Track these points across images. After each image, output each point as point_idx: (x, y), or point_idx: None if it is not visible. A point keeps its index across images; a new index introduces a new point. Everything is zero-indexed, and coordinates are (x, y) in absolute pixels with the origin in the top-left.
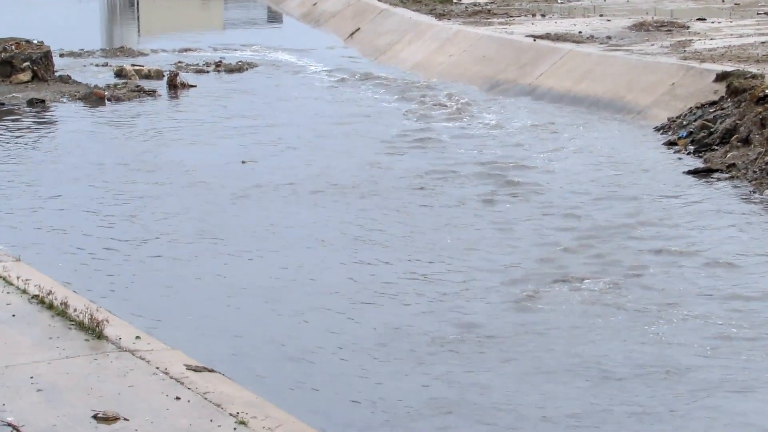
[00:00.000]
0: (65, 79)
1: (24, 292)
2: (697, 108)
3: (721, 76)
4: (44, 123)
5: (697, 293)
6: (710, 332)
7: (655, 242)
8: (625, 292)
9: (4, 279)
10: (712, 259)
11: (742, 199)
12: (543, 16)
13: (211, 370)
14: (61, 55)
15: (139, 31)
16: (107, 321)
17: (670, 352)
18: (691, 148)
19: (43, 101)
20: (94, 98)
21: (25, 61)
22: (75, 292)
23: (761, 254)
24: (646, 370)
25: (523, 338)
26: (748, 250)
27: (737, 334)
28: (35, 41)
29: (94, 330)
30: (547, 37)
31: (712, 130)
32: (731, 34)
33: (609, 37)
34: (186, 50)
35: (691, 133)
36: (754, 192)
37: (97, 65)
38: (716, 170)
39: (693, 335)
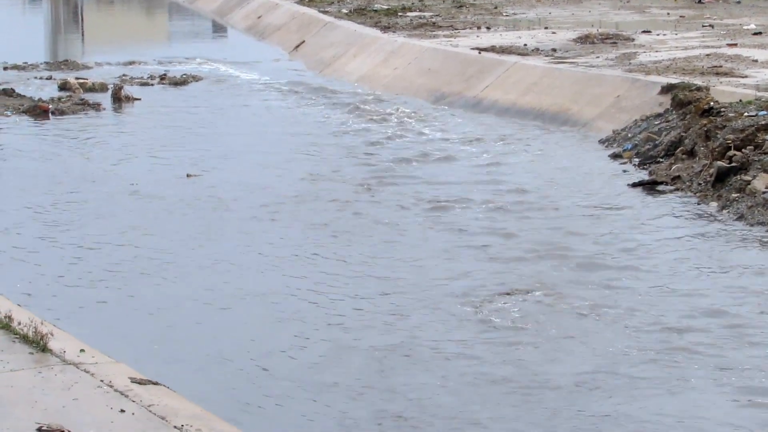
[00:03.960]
0: (9, 93)
1: None
2: (642, 120)
3: (667, 89)
4: None
5: (634, 303)
6: (643, 342)
7: (595, 255)
8: (567, 303)
9: None
10: (653, 271)
11: (687, 211)
12: (488, 28)
13: (156, 383)
14: (5, 68)
15: (83, 43)
16: (52, 334)
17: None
18: (636, 160)
19: None
20: (38, 111)
21: None
22: (19, 305)
23: (703, 267)
24: (581, 378)
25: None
26: (691, 262)
27: (673, 342)
28: None
29: (38, 343)
30: (492, 49)
31: (657, 142)
32: (676, 47)
33: (554, 50)
34: (131, 63)
35: (636, 145)
36: (699, 204)
37: (41, 78)
38: (661, 182)
39: (626, 344)
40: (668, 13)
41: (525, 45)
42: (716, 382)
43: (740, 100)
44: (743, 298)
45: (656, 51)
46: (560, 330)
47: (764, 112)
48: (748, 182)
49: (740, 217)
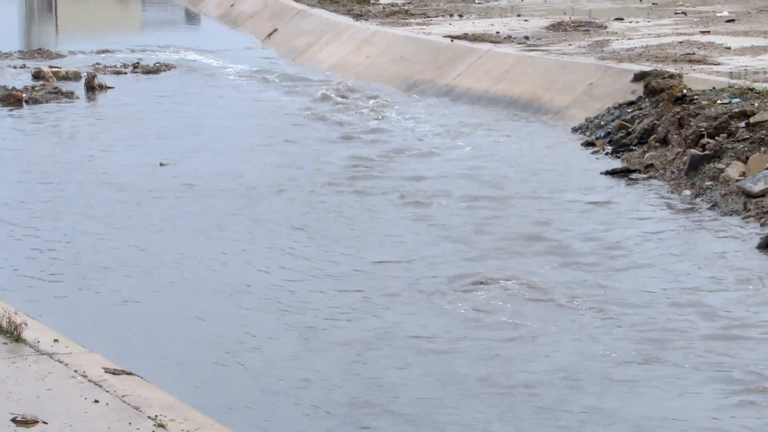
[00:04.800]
0: None
1: None
2: (615, 108)
3: (639, 76)
4: None
5: (607, 293)
6: (619, 334)
7: (569, 244)
8: (539, 293)
9: None
10: (624, 258)
11: (660, 198)
12: (461, 16)
13: (130, 373)
14: None
15: (57, 32)
16: (25, 324)
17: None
18: (609, 148)
19: None
20: (12, 100)
21: None
22: None
23: (676, 255)
24: (558, 374)
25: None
26: (665, 250)
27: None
28: None
29: (12, 333)
30: (464, 37)
31: (630, 130)
32: (649, 34)
33: (527, 38)
34: (104, 52)
35: (609, 133)
36: (672, 192)
37: (14, 67)
38: (634, 170)
39: (605, 336)
40: (641, 0)
41: (497, 33)
42: (699, 374)
43: (713, 88)
44: (717, 287)
45: (629, 38)
46: (535, 321)
47: (737, 100)
48: (722, 170)
49: (714, 205)
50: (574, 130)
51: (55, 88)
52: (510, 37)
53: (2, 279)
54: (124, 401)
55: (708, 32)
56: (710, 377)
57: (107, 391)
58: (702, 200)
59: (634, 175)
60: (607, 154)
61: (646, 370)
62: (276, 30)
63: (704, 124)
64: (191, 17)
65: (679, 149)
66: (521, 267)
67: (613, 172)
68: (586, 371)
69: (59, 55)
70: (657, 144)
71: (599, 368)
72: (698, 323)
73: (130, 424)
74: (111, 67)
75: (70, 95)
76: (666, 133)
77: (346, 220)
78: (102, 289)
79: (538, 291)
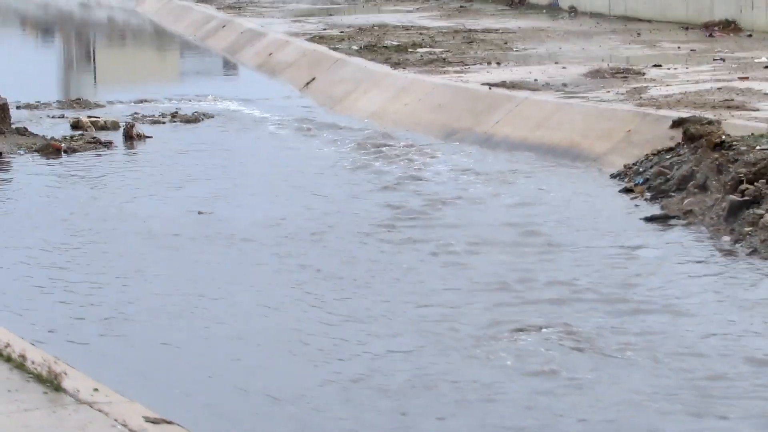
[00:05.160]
0: (22, 131)
1: None
2: (654, 154)
3: (678, 123)
4: (0, 175)
5: (651, 342)
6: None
7: (609, 290)
8: (582, 341)
9: None
10: (666, 305)
11: (700, 244)
12: (498, 64)
13: (170, 422)
14: (18, 107)
15: (95, 81)
16: (65, 373)
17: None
18: (648, 194)
19: (0, 153)
20: (50, 150)
21: None
22: (33, 344)
23: (718, 302)
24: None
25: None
26: (707, 297)
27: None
28: None
29: (52, 382)
30: (502, 84)
31: (668, 176)
32: (687, 80)
33: (565, 85)
34: (142, 101)
35: (647, 179)
36: (712, 238)
37: (53, 117)
38: (673, 216)
39: (652, 388)
40: (679, 47)
41: (535, 80)
42: (749, 425)
43: (752, 134)
44: (761, 333)
45: (667, 85)
46: (579, 369)
47: None
48: (761, 216)
49: (753, 251)
50: (613, 176)
51: (94, 137)
52: (548, 84)
53: (41, 327)
54: None
55: (746, 78)
56: (762, 427)
57: None
58: (742, 246)
59: (673, 221)
60: (646, 200)
61: (695, 421)
62: (314, 79)
63: (743, 170)
64: (229, 66)
65: (718, 195)
66: (564, 315)
67: (652, 219)
68: (632, 422)
69: (98, 105)
70: (696, 190)
71: (646, 419)
72: (745, 371)
73: None
74: (149, 116)
75: (108, 145)
76: (705, 179)
77: (384, 269)
78: (141, 336)
79: (581, 339)
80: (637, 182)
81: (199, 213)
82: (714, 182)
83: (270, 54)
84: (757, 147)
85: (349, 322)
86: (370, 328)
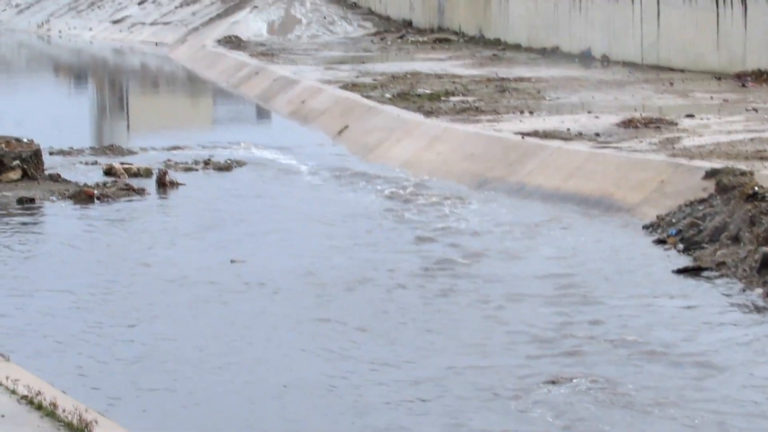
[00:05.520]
0: (55, 178)
1: (13, 392)
2: (687, 205)
3: (711, 174)
4: (34, 222)
5: (687, 397)
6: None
7: (644, 342)
8: (618, 392)
9: None
10: (699, 360)
11: (732, 297)
12: (531, 113)
13: None
14: (51, 154)
15: (128, 128)
16: (96, 422)
17: None
18: (681, 246)
19: (32, 200)
20: (83, 197)
21: (15, 160)
22: (64, 392)
23: (752, 356)
24: None
25: None
26: (740, 349)
27: None
28: (25, 140)
29: (82, 431)
30: (535, 134)
31: (701, 227)
32: (720, 131)
33: (597, 134)
34: (175, 148)
35: (680, 230)
36: (745, 290)
37: (86, 163)
38: (706, 268)
39: None
40: (712, 97)
41: (568, 129)
42: None
43: None
44: None
45: (700, 135)
46: (618, 425)
47: None
48: None
49: None
50: (646, 227)
51: (127, 184)
52: (581, 133)
53: (71, 376)
54: None
55: None
56: None
57: None
58: None
59: (705, 273)
60: (678, 251)
61: None
62: (347, 127)
63: None
64: (262, 113)
65: (751, 247)
66: (599, 367)
67: (684, 270)
68: None
69: (130, 152)
70: (729, 242)
71: None
72: None
73: None
74: (182, 163)
75: (141, 192)
76: (737, 230)
77: (418, 321)
78: (170, 386)
79: (617, 394)
80: (669, 233)
81: (232, 261)
82: (747, 234)
83: (303, 101)
84: None
85: (379, 372)
86: (400, 376)
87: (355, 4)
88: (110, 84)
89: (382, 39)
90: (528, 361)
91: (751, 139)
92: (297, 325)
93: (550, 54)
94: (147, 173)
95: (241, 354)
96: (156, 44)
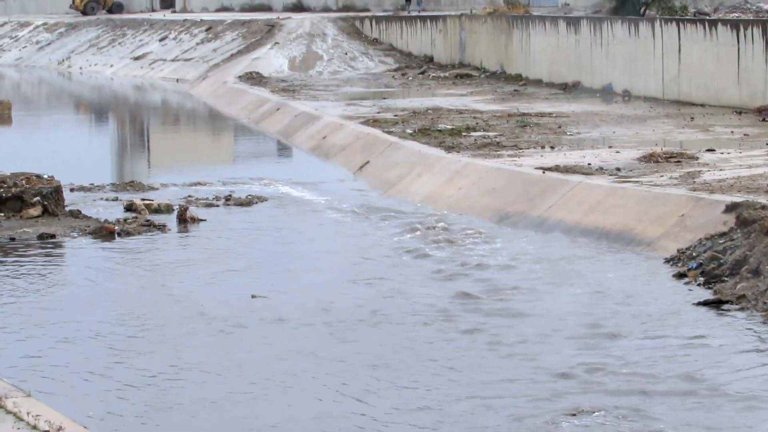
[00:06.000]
0: (75, 214)
1: (34, 428)
2: (707, 239)
3: (731, 207)
4: (54, 258)
5: (705, 427)
6: None
7: (665, 375)
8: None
9: (15, 415)
10: (722, 391)
11: (752, 330)
12: (552, 148)
13: None
14: (72, 190)
15: (149, 164)
16: None
17: None
18: (701, 279)
19: (53, 236)
20: (104, 233)
21: (35, 196)
22: (85, 427)
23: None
24: None
25: None
26: (759, 384)
27: None
28: (45, 176)
29: None
30: (556, 169)
31: (721, 261)
32: (741, 165)
33: (618, 169)
34: (196, 184)
35: (701, 264)
36: (765, 323)
37: (107, 199)
38: (726, 301)
39: None
40: (732, 132)
41: (589, 164)
42: None
43: None
44: None
45: (720, 169)
46: None
47: None
48: None
49: None
50: (666, 261)
51: (147, 220)
52: (601, 168)
53: (93, 410)
54: None
55: None
56: None
57: None
58: None
59: (725, 306)
60: (699, 285)
61: None
62: (368, 162)
63: None
64: (283, 149)
65: None
66: (626, 403)
67: (705, 303)
68: None
69: (151, 188)
70: (749, 275)
71: None
72: None
73: None
74: (203, 199)
75: (162, 228)
76: (758, 263)
77: (439, 358)
78: (193, 424)
79: (639, 423)
80: (690, 267)
81: (253, 297)
82: (767, 267)
83: (324, 137)
84: None
85: (402, 412)
86: (422, 418)
87: (376, 39)
88: (131, 120)
89: (403, 74)
90: (555, 399)
91: None
92: (318, 365)
93: (572, 89)
94: (168, 209)
95: (266, 392)
96: (177, 80)
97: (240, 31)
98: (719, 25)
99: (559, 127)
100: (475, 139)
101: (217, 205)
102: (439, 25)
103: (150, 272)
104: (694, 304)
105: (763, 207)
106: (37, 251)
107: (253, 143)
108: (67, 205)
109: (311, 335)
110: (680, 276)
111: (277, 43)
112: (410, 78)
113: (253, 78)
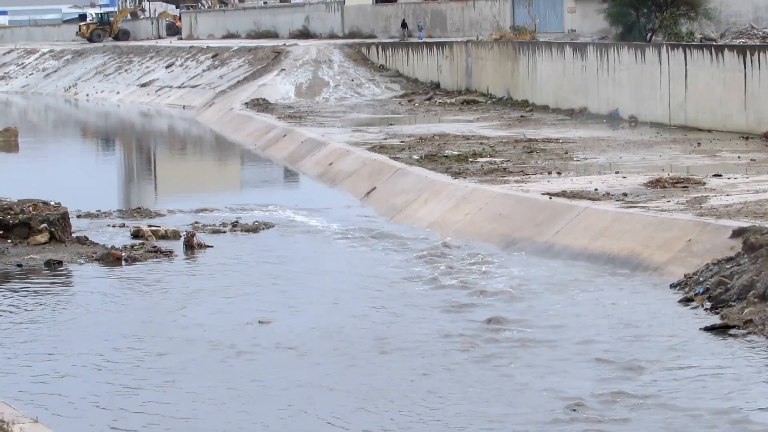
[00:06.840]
0: (82, 240)
1: None
2: (714, 264)
3: (738, 232)
4: (62, 284)
5: None
6: None
7: (672, 402)
8: None
9: None
10: (731, 418)
11: (760, 355)
12: (559, 173)
13: None
14: (78, 216)
15: (156, 190)
16: None
17: None
18: (708, 304)
19: (60, 262)
20: (111, 259)
21: (42, 223)
22: None
23: None
24: None
25: None
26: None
27: None
28: (53, 202)
29: None
30: (563, 194)
31: (728, 286)
32: (747, 190)
33: (625, 194)
34: (203, 210)
35: (707, 289)
36: None
37: (114, 226)
38: (733, 326)
39: None
40: (739, 157)
41: (596, 189)
42: None
43: None
44: None
45: (727, 194)
46: None
47: None
48: None
49: None
50: (673, 286)
51: (154, 247)
52: (608, 194)
53: None
54: None
55: None
56: None
57: None
58: None
59: (733, 331)
60: (705, 310)
61: None
62: (374, 188)
63: None
64: (290, 175)
65: None
66: (625, 425)
67: (712, 328)
68: None
69: (158, 214)
70: (756, 300)
71: None
72: None
73: None
74: (210, 225)
75: (168, 254)
76: (765, 288)
77: (447, 386)
78: None
79: None
80: (697, 292)
81: (260, 323)
82: None
83: (330, 163)
84: None
85: None
86: None
87: (382, 66)
88: (138, 147)
89: (409, 101)
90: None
91: None
92: (327, 393)
93: (578, 115)
94: (175, 235)
95: (269, 414)
96: (183, 107)
97: (246, 57)
98: (726, 51)
99: (566, 152)
100: (482, 165)
101: (224, 232)
102: (445, 51)
103: (156, 299)
104: (700, 328)
105: None
106: (44, 278)
107: (259, 169)
108: (74, 232)
109: (320, 364)
110: (687, 301)
111: (283, 69)
112: (417, 104)
113: (260, 104)
